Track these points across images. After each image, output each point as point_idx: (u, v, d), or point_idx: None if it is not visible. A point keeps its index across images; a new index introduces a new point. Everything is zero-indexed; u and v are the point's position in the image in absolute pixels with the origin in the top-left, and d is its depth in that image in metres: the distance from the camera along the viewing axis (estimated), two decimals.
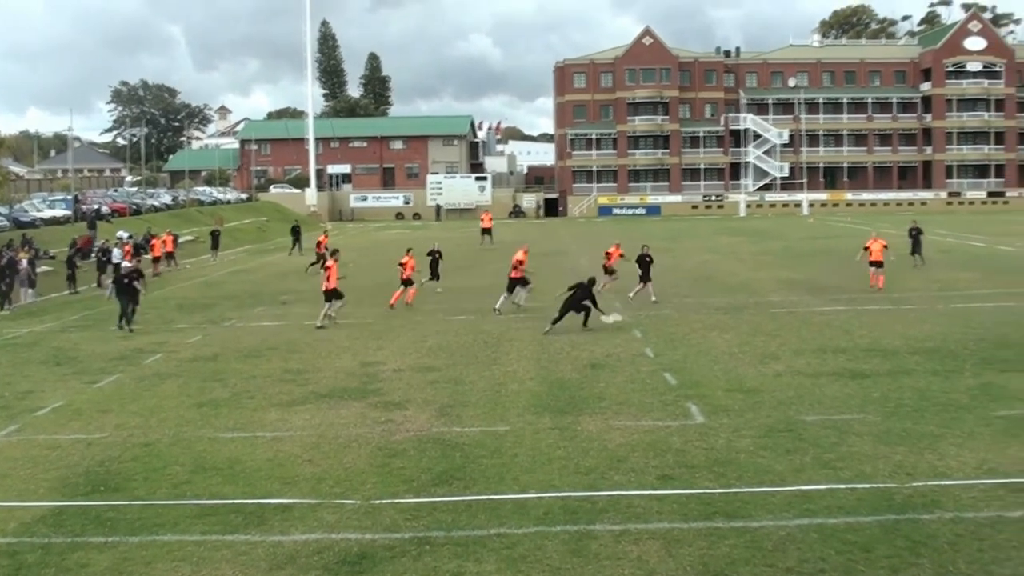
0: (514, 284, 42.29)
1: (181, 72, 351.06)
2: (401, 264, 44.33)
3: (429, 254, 50.04)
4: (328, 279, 40.14)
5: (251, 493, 18.40)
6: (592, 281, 37.60)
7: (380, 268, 63.35)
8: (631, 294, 44.85)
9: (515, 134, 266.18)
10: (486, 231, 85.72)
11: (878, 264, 47.14)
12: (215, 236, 77.35)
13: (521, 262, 42.76)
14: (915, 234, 57.07)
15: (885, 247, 47.79)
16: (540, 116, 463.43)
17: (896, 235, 61.59)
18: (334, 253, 42.79)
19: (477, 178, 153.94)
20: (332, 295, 40.13)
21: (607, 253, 49.34)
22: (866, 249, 48.16)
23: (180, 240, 73.96)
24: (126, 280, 40.66)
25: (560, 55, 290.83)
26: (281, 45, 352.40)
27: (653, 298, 44.18)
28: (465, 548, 15.41)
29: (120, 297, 40.40)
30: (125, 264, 46.17)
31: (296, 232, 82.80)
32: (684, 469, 19.21)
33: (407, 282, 44.81)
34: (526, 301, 42.72)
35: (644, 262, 44.77)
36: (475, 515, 16.91)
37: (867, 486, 17.92)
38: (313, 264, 62.07)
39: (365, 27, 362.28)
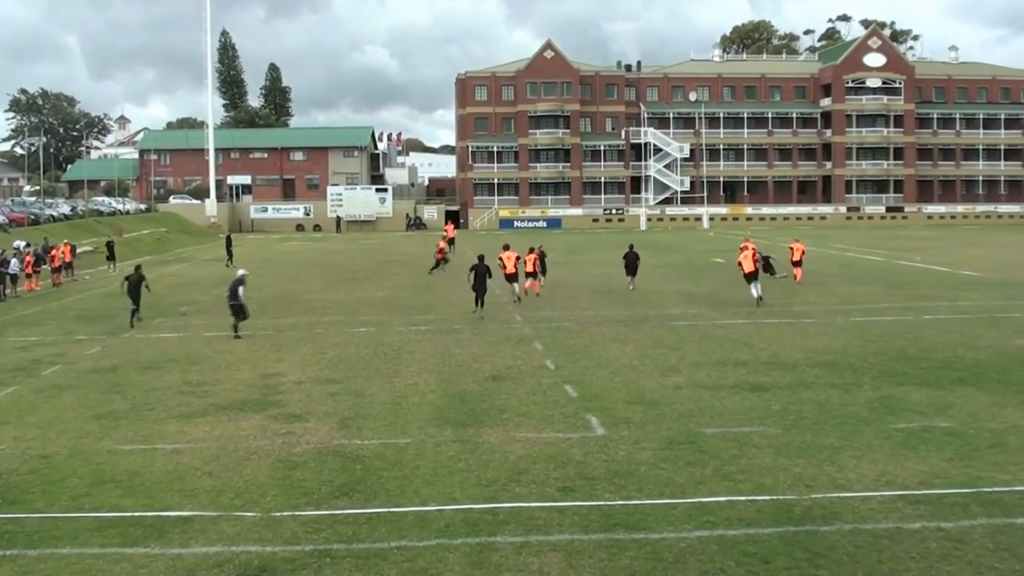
0: (752, 277, 47.70)
1: (77, 81, 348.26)
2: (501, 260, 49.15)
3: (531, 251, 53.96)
4: (512, 266, 48.15)
5: (151, 506, 18.24)
6: (482, 258, 45.13)
7: (280, 280, 63.17)
8: (630, 287, 53.55)
9: (416, 146, 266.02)
10: (451, 240, 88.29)
11: (798, 263, 56.95)
12: (110, 246, 76.28)
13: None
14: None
15: (803, 251, 57.98)
16: (439, 128, 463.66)
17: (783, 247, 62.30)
18: (532, 251, 52.54)
19: (378, 190, 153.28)
20: (512, 279, 48.17)
21: (791, 248, 58.62)
22: (791, 249, 57.99)
23: (78, 251, 72.92)
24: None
25: (458, 67, 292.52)
26: (177, 55, 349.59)
27: (631, 287, 53.68)
28: (366, 561, 15.39)
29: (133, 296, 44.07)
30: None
31: (229, 242, 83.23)
32: (585, 481, 19.30)
33: (532, 274, 52.01)
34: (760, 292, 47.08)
35: (628, 258, 55.13)
36: (376, 528, 16.89)
37: (767, 498, 18.11)
38: (436, 267, 67.03)
39: (260, 38, 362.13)
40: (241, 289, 40.41)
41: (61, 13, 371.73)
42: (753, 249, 50.66)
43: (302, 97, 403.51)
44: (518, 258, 49.45)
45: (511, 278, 48.55)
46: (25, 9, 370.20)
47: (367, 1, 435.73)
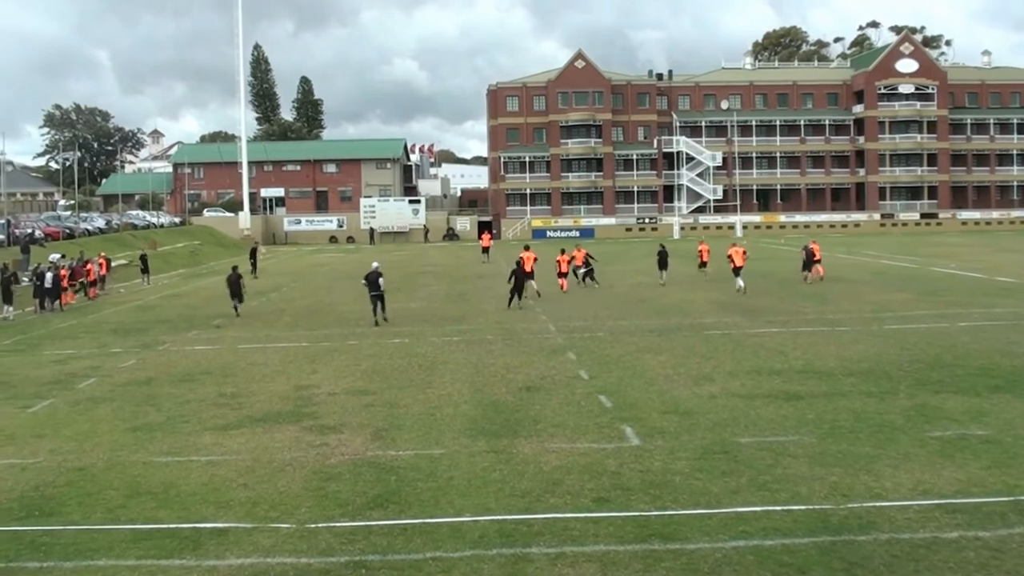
0: (738, 271, 57.70)
1: (110, 96, 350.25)
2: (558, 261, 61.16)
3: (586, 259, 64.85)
4: (530, 266, 55.17)
5: (186, 517, 18.28)
6: (518, 263, 53.24)
7: (314, 292, 63.33)
8: (661, 282, 61.88)
9: (448, 157, 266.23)
10: (485, 250, 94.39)
11: (818, 260, 62.93)
12: (144, 260, 76.61)
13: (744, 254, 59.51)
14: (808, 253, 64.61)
15: (818, 248, 64.29)
16: (470, 139, 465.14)
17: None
18: (562, 253, 62.30)
19: (411, 201, 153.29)
20: (529, 276, 54.48)
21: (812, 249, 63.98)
22: (813, 251, 63.34)
23: (113, 264, 73.23)
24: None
25: (487, 78, 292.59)
26: (208, 69, 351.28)
27: (661, 282, 61.93)
28: (401, 572, 15.37)
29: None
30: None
31: (253, 253, 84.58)
32: (620, 491, 19.23)
33: (564, 274, 60.90)
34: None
35: (660, 256, 63.48)
36: (411, 539, 16.86)
37: (803, 508, 17.99)
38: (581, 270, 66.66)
39: (289, 52, 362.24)
40: (381, 280, 46.09)
41: (92, 29, 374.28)
42: (706, 249, 66.86)
43: (332, 110, 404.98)
44: (535, 259, 56.88)
45: (529, 276, 54.57)
46: (56, 25, 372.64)
47: (394, 14, 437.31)
